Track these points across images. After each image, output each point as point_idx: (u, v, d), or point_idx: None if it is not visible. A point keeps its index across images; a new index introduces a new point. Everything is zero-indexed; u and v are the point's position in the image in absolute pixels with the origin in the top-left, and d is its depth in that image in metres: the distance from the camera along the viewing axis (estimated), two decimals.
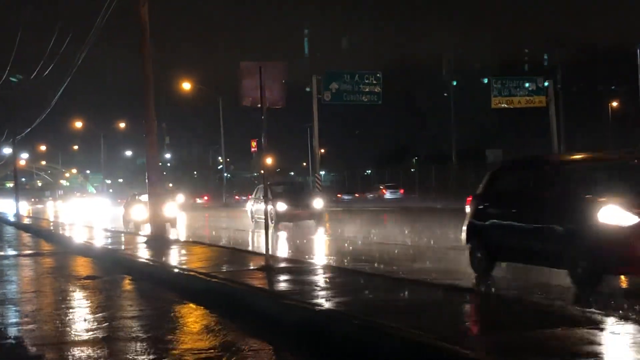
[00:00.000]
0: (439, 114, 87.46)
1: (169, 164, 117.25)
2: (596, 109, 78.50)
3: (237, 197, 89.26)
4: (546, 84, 55.39)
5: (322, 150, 77.45)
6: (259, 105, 13.32)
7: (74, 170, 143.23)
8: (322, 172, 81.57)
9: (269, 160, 63.86)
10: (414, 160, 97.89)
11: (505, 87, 55.67)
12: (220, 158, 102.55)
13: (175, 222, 29.74)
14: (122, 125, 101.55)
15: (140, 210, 29.40)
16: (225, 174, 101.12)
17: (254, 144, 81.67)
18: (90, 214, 55.28)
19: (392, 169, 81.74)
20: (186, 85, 66.55)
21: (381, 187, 74.09)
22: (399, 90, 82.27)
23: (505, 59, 78.57)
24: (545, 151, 60.48)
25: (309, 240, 22.83)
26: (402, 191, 71.29)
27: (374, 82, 53.81)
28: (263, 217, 29.41)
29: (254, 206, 30.74)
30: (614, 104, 76.49)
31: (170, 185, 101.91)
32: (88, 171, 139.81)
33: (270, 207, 28.06)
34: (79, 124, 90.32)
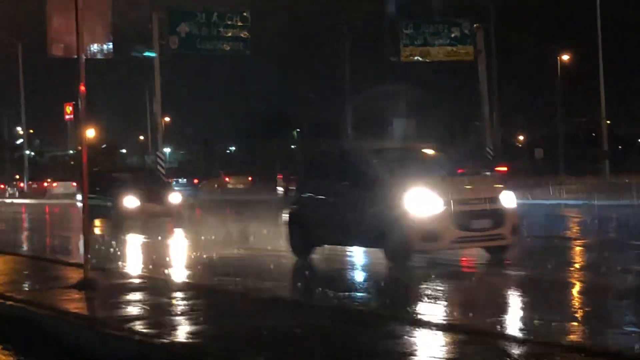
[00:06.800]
0: (329, 71, 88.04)
1: None
2: (541, 64, 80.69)
3: (54, 184, 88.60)
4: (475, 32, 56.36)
5: (167, 119, 77.12)
6: (76, 55, 13.13)
7: None
8: (167, 150, 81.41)
9: (90, 133, 63.37)
10: (294, 133, 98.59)
11: (419, 32, 56.28)
12: (19, 129, 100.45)
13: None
14: None
15: None
16: (28, 152, 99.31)
17: (69, 109, 79.90)
18: None
19: (265, 144, 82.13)
20: None
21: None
22: (274, 36, 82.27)
23: None
24: (475, 120, 61.87)
25: (158, 245, 23.15)
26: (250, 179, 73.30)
27: (240, 24, 53.54)
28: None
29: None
30: (565, 57, 78.69)
31: None
32: None
33: (109, 201, 29.55)
34: None
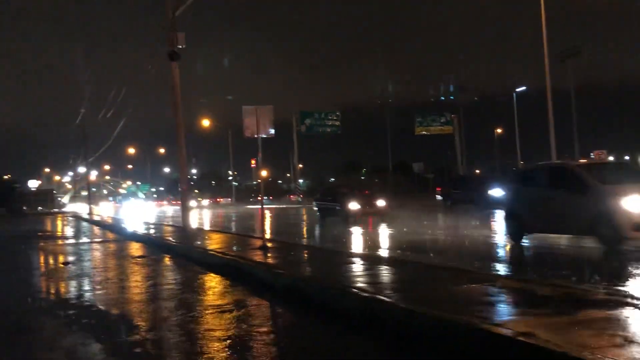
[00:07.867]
0: (378, 138, 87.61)
1: (195, 177, 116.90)
2: (486, 134, 79.12)
3: (220, 199, 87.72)
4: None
5: (301, 165, 77.46)
6: (256, 135, 13.31)
7: (129, 182, 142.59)
8: (301, 180, 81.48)
9: (263, 173, 64.01)
10: (363, 170, 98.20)
11: (425, 119, 55.99)
12: (229, 171, 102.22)
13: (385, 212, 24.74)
14: (162, 150, 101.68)
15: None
16: (234, 183, 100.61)
17: (253, 161, 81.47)
18: (140, 212, 54.70)
19: (349, 177, 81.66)
20: (206, 122, 65.99)
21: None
22: (354, 120, 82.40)
23: (425, 98, 78.80)
24: (453, 165, 60.65)
25: (354, 232, 20.26)
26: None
27: (335, 118, 54.03)
28: (328, 212, 25.59)
29: (320, 204, 27.42)
30: (499, 130, 77.12)
31: (196, 191, 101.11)
32: (139, 182, 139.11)
33: (338, 205, 24.96)
34: (132, 150, 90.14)
